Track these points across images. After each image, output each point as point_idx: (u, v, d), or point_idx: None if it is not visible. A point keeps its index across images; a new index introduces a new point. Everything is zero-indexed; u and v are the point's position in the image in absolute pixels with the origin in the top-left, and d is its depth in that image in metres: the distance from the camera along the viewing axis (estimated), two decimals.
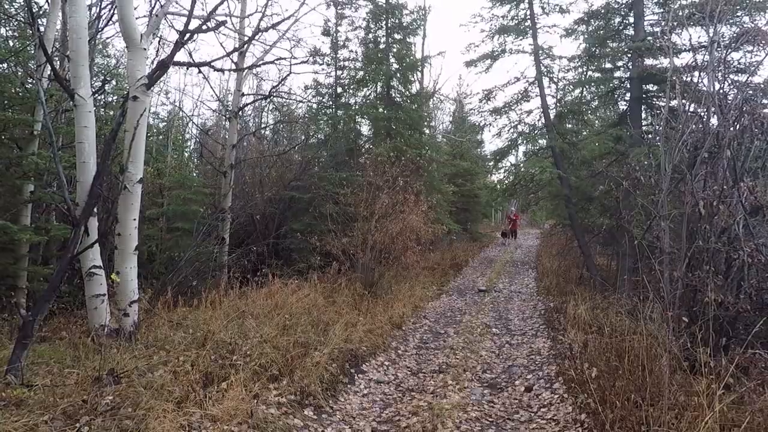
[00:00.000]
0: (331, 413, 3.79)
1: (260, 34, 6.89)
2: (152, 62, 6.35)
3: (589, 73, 11.86)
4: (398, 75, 12.79)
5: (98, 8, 7.62)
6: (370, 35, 12.89)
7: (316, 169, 12.28)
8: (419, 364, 5.55)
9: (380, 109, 12.18)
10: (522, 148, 13.89)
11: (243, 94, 10.52)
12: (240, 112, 10.68)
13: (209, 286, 7.77)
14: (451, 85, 42.56)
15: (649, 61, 9.16)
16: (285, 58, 9.30)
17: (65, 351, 4.28)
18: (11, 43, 8.11)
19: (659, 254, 4.55)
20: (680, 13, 8.51)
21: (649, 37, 8.74)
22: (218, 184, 11.51)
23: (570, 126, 12.39)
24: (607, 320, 5.69)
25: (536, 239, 22.89)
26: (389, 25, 12.55)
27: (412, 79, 13.83)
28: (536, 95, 11.04)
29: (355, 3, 12.50)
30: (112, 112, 10.23)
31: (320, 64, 11.91)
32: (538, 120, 11.20)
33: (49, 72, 5.65)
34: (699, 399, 3.13)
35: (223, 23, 5.74)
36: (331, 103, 13.08)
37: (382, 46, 12.72)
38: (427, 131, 15.59)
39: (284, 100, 12.76)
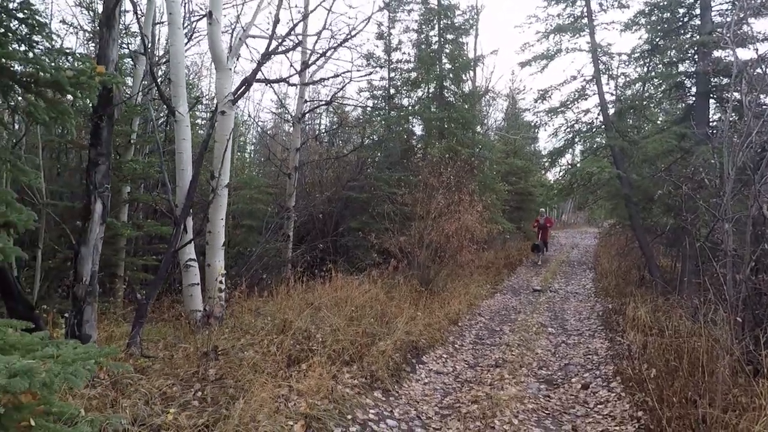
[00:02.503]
0: (397, 396, 4.18)
1: (332, 50, 7.34)
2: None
3: (653, 65, 11.45)
4: (451, 75, 12.96)
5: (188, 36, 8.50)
6: (423, 36, 13.16)
7: (370, 169, 12.75)
8: (476, 358, 5.83)
9: (433, 109, 12.42)
10: (579, 147, 13.64)
11: (306, 101, 11.19)
12: (303, 118, 11.35)
13: (277, 279, 8.44)
14: (504, 82, 41.75)
15: (717, 53, 8.77)
16: (348, 71, 9.78)
17: (167, 330, 4.97)
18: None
19: (723, 257, 4.54)
20: (751, 1, 8.12)
21: (718, 29, 8.38)
22: (281, 184, 12.31)
23: (630, 122, 12.04)
24: (668, 323, 5.69)
25: (594, 239, 22.19)
26: (441, 25, 12.75)
27: (465, 78, 13.95)
28: (594, 93, 10.83)
29: (407, 6, 12.84)
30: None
31: (374, 67, 12.37)
32: (596, 118, 11.00)
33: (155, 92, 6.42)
34: (761, 401, 3.20)
35: (299, 44, 6.27)
36: (384, 104, 13.51)
37: (434, 47, 12.94)
38: (479, 129, 15.66)
39: (341, 103, 13.32)
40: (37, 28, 2.74)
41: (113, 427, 2.28)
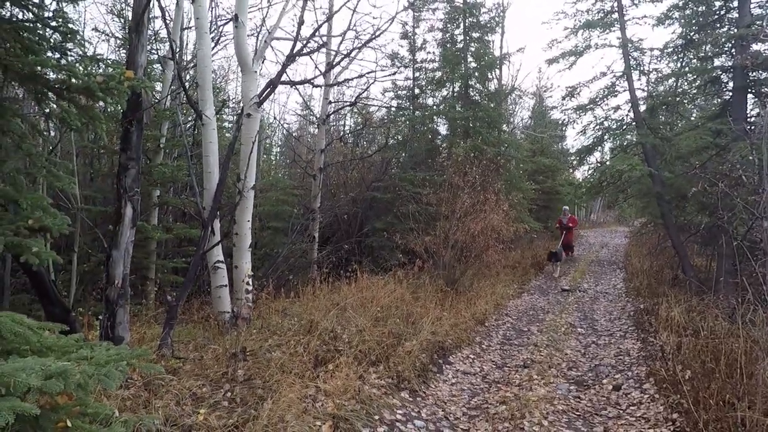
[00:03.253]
0: (424, 397, 4.14)
1: (356, 51, 7.35)
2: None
3: (686, 60, 11.04)
4: (476, 74, 12.79)
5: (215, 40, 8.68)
6: (448, 35, 13.05)
7: (395, 170, 12.73)
8: (503, 358, 5.73)
9: (458, 108, 12.30)
10: (608, 145, 13.26)
11: (330, 102, 11.24)
12: (327, 119, 11.42)
13: (304, 280, 8.52)
14: (530, 79, 41.11)
15: (756, 46, 8.38)
16: (373, 71, 9.79)
17: (197, 332, 5.07)
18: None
19: (762, 256, 4.33)
20: None
21: (757, 21, 8.00)
22: (306, 185, 12.42)
23: (662, 119, 11.64)
24: (704, 323, 5.46)
25: (624, 238, 21.57)
26: (467, 24, 12.61)
27: (491, 77, 13.76)
28: (624, 89, 10.49)
29: (432, 5, 12.76)
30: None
31: (398, 67, 12.34)
32: (627, 115, 10.66)
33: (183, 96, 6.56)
34: None
35: (323, 45, 6.30)
36: (408, 104, 13.45)
37: (459, 46, 12.81)
38: (505, 128, 15.41)
39: (366, 104, 13.34)
40: (69, 36, 2.83)
41: (146, 427, 2.32)
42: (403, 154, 13.03)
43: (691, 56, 10.03)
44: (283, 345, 4.32)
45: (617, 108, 10.82)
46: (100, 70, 2.89)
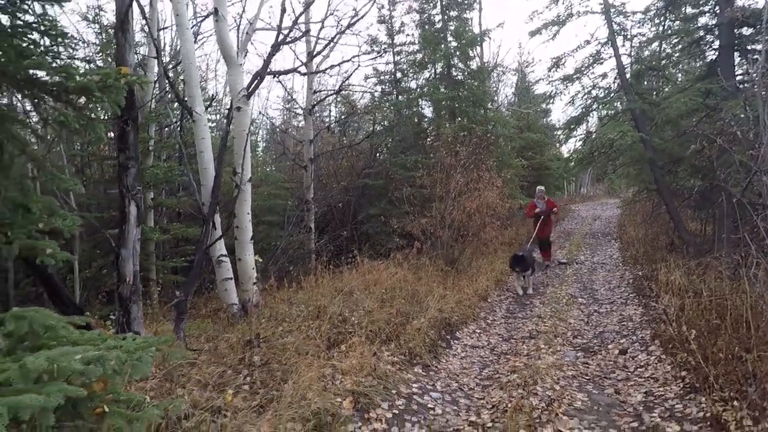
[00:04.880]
0: (437, 371, 4.24)
1: (338, 36, 7.31)
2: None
3: (668, 23, 11.07)
4: (458, 53, 12.74)
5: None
6: (425, 16, 12.94)
7: (384, 155, 12.73)
8: (509, 331, 5.85)
9: (442, 89, 12.29)
10: (595, 116, 13.34)
11: (315, 92, 11.20)
12: (313, 109, 11.38)
13: (304, 270, 8.57)
14: (512, 56, 40.99)
15: (741, 1, 8.40)
16: (356, 56, 9.73)
17: (206, 325, 5.12)
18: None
19: (762, 210, 4.44)
20: None
21: None
22: (296, 178, 12.41)
23: (649, 84, 11.72)
24: (704, 284, 5.60)
25: (616, 209, 21.83)
26: (444, 3, 12.54)
27: (472, 54, 13.71)
28: (610, 56, 10.53)
29: None
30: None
31: (378, 53, 12.25)
32: (614, 82, 10.73)
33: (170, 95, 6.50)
34: None
35: (307, 33, 6.27)
36: (392, 89, 13.39)
37: (438, 26, 12.73)
38: (491, 106, 15.42)
39: (349, 92, 13.27)
40: (59, 39, 2.81)
41: (176, 411, 2.38)
42: (391, 140, 13.03)
43: (674, 18, 10.06)
44: (294, 330, 4.39)
45: (604, 75, 10.89)
46: (93, 71, 2.88)
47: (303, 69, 7.75)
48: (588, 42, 10.76)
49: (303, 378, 3.20)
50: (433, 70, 13.14)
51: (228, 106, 9.51)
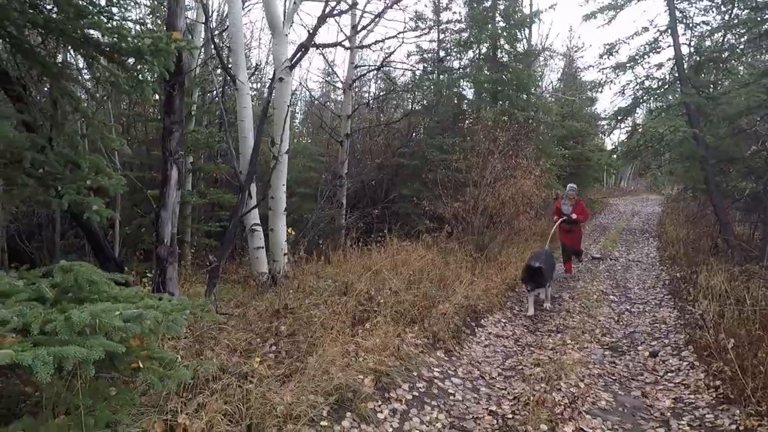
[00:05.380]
0: (459, 357, 4.23)
1: (386, 10, 7.15)
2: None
3: (736, 11, 10.25)
4: (505, 34, 12.28)
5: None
6: None
7: (421, 135, 12.55)
8: (535, 323, 5.76)
9: (485, 71, 11.91)
10: (645, 106, 12.63)
11: (356, 67, 11.07)
12: (353, 84, 11.29)
13: (333, 245, 8.66)
14: (561, 40, 39.16)
15: None
16: (401, 32, 9.52)
17: (237, 291, 5.26)
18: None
19: None
20: None
21: None
22: (330, 152, 12.43)
23: (707, 77, 10.98)
24: (748, 292, 5.33)
25: (657, 206, 20.96)
26: None
27: (520, 37, 13.20)
28: (668, 45, 9.88)
29: None
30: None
31: (423, 29, 11.94)
32: (669, 73, 10.10)
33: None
34: None
35: (354, 5, 6.15)
36: (434, 68, 13.08)
37: (487, 5, 12.27)
38: (534, 91, 14.88)
39: (390, 68, 13.07)
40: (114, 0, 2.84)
41: (205, 372, 2.46)
42: (429, 120, 12.80)
43: (743, 7, 9.30)
44: (320, 304, 4.46)
45: (660, 66, 10.25)
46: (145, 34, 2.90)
47: (347, 43, 7.63)
48: (646, 29, 10.13)
49: (327, 352, 3.24)
50: (478, 51, 12.73)
51: (269, 76, 9.57)
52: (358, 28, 9.60)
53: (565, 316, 5.97)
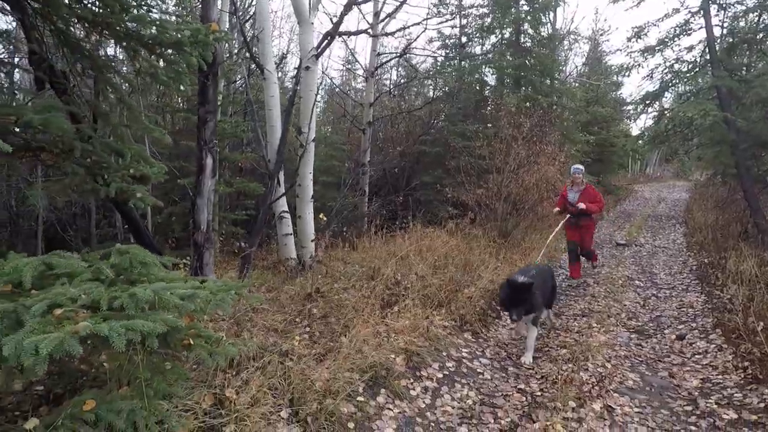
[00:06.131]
0: (486, 339, 4.32)
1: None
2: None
3: None
4: (528, 18, 12.05)
5: None
6: None
7: (442, 122, 12.50)
8: (560, 308, 5.78)
9: (508, 56, 11.73)
10: (673, 91, 12.27)
11: (378, 54, 11.07)
12: (375, 72, 11.29)
13: (357, 232, 8.79)
14: (586, 23, 38.19)
15: None
16: (425, 19, 9.48)
17: (267, 276, 5.43)
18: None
19: None
20: None
21: None
22: (353, 140, 12.50)
23: (739, 60, 10.59)
24: None
25: (684, 192, 20.46)
26: None
27: (545, 21, 12.94)
28: (700, 27, 9.55)
29: None
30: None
31: (445, 16, 11.83)
32: (701, 56, 9.78)
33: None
34: None
35: None
36: (455, 54, 12.95)
37: None
38: (558, 77, 14.60)
39: (412, 55, 13.00)
40: None
41: (248, 351, 2.60)
42: (451, 107, 12.72)
43: None
44: (349, 288, 4.58)
45: (690, 48, 9.92)
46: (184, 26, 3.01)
47: (371, 31, 7.66)
48: (677, 10, 9.78)
49: (359, 333, 3.36)
50: (500, 36, 12.53)
51: (290, 64, 9.62)
52: (382, 15, 9.56)
53: (590, 301, 5.98)
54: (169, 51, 2.94)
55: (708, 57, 9.51)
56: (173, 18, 3.14)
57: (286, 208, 5.52)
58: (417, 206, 11.12)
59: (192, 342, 2.26)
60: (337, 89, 14.64)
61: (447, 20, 11.16)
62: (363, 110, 11.04)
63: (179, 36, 2.72)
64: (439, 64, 13.31)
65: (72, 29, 2.99)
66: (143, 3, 3.12)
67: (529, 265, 4.95)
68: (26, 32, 3.05)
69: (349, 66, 17.17)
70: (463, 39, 12.70)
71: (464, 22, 12.55)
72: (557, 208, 6.72)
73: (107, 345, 1.50)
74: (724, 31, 10.12)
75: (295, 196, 5.75)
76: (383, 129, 13.08)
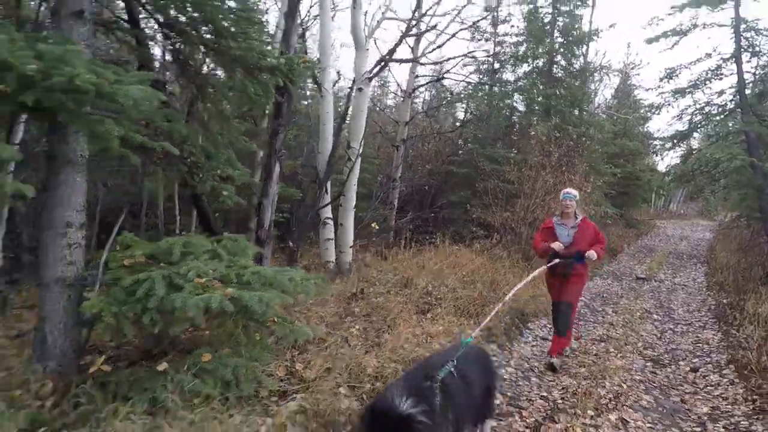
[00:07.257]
0: (510, 351, 4.67)
1: (459, 30, 7.64)
2: None
3: None
4: (562, 50, 12.46)
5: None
6: (534, 8, 12.71)
7: (472, 145, 12.91)
8: (579, 332, 6.07)
9: (539, 85, 12.13)
10: (700, 132, 12.51)
11: (417, 76, 11.62)
12: (413, 92, 11.83)
13: (386, 243, 9.21)
14: (618, 56, 38.45)
15: None
16: (471, 52, 9.98)
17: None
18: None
19: None
20: None
21: None
22: (383, 155, 12.99)
23: None
24: None
25: (707, 232, 20.38)
26: None
27: (578, 53, 13.34)
28: (731, 73, 9.89)
29: None
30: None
31: (479, 40, 12.30)
32: (731, 101, 10.07)
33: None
34: None
35: (434, 27, 6.70)
36: (488, 80, 13.40)
37: (546, 19, 12.51)
38: (588, 108, 14.90)
39: (449, 78, 13.51)
40: (256, 25, 3.48)
41: (317, 333, 3.04)
42: (480, 130, 13.12)
43: None
44: (385, 293, 5.00)
45: (721, 93, 10.23)
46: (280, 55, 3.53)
47: (423, 59, 8.20)
48: (709, 55, 10.13)
49: (400, 333, 3.77)
50: (533, 65, 12.96)
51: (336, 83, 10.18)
52: (425, 44, 10.08)
53: (608, 328, 6.26)
54: (264, 74, 3.45)
55: (738, 101, 9.79)
56: (269, 47, 3.62)
57: (330, 215, 5.99)
58: (443, 224, 11.50)
59: (276, 320, 2.71)
60: (377, 108, 15.21)
61: (487, 56, 11.58)
62: (397, 127, 11.54)
63: (276, 63, 3.22)
64: (471, 87, 13.78)
65: (184, 48, 3.53)
66: (241, 31, 3.66)
67: (452, 347, 2.91)
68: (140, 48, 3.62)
69: (383, 83, 17.81)
70: (496, 65, 13.17)
71: (498, 49, 13.03)
72: (538, 248, 4.59)
73: (245, 310, 1.95)
74: (756, 78, 10.39)
75: (338, 204, 6.22)
76: (413, 147, 13.57)
